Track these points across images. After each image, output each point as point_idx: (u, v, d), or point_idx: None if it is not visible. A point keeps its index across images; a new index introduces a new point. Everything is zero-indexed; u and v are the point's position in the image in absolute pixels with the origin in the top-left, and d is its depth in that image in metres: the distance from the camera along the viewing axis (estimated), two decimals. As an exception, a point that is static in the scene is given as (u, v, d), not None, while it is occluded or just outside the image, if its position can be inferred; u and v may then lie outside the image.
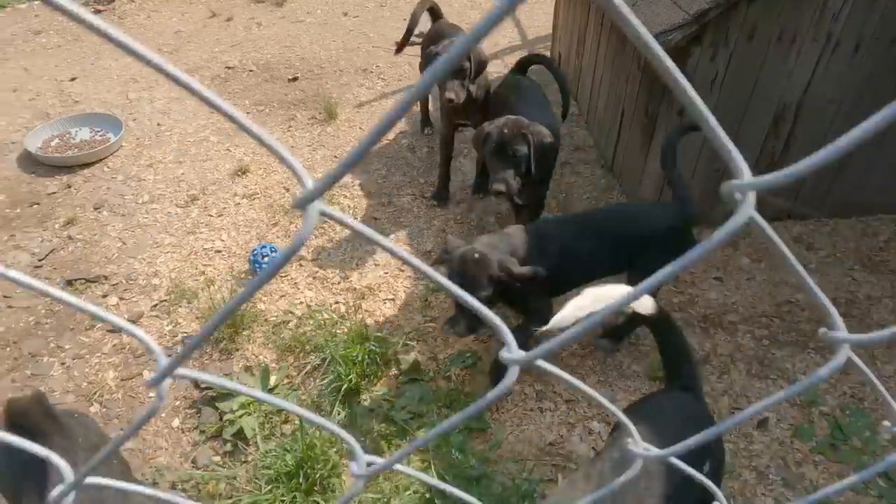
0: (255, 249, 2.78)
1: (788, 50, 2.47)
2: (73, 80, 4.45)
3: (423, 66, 3.43)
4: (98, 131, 3.77)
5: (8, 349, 2.45)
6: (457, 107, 2.74)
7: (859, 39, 2.45)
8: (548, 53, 4.56)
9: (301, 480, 1.89)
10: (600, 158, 3.47)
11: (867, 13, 2.40)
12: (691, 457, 1.37)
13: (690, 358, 1.62)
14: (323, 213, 0.36)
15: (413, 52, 4.68)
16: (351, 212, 3.15)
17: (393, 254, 0.42)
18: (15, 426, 1.33)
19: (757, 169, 2.79)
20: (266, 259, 2.73)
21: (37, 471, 1.24)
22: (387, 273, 2.78)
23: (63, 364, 2.40)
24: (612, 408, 0.58)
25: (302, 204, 0.35)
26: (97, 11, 5.61)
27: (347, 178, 3.30)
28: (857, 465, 2.03)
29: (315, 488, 1.92)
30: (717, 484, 1.44)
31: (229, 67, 4.59)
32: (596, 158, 3.48)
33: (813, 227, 2.98)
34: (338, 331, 2.43)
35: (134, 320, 2.56)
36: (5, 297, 2.67)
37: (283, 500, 1.88)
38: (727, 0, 2.29)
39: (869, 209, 3.01)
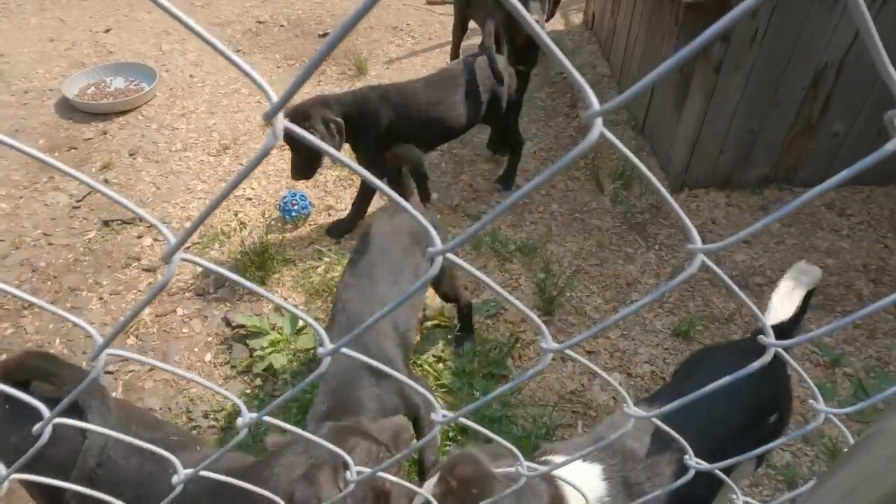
0: (285, 196, 2.82)
1: (834, 5, 2.39)
2: (107, 31, 4.50)
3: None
4: (132, 81, 3.82)
5: (49, 283, 2.55)
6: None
7: (910, -4, 2.37)
8: (581, 15, 4.49)
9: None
10: (631, 120, 3.43)
11: (919, -32, 2.31)
12: (759, 410, 1.35)
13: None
14: (287, 130, 0.38)
15: (443, 11, 4.63)
16: (379, 165, 3.18)
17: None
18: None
19: (794, 128, 2.75)
20: (296, 206, 2.78)
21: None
22: (414, 224, 2.81)
23: (101, 299, 2.49)
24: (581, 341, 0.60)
25: (269, 116, 0.37)
26: (130, -35, 5.62)
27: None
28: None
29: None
30: (778, 435, 1.44)
31: (260, 22, 4.59)
32: (626, 120, 3.44)
33: (847, 193, 2.92)
34: (365, 277, 2.48)
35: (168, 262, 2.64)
36: (45, 234, 2.77)
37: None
38: (773, -49, 2.22)
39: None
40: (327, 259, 2.62)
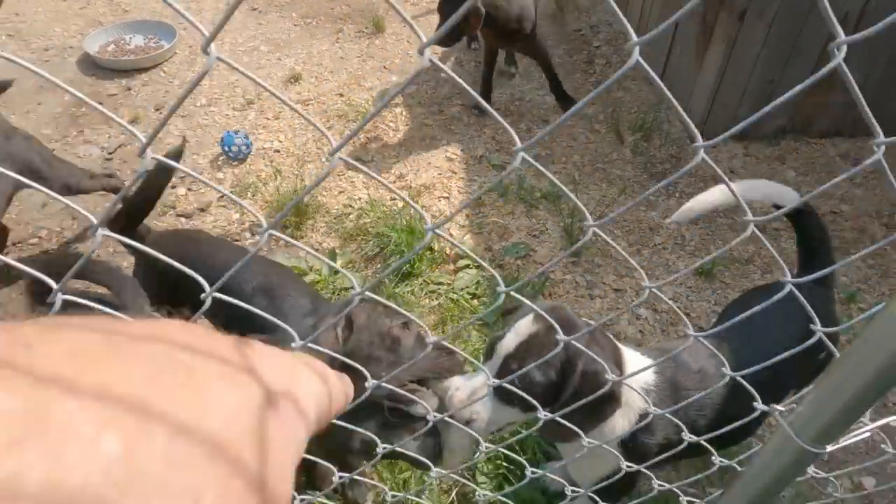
0: (228, 134, 2.92)
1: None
2: (120, -10, 4.49)
3: None
4: (151, 38, 3.84)
5: (89, 229, 2.62)
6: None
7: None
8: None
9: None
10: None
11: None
12: (808, 346, 1.36)
13: (828, 252, 1.53)
14: (220, 59, 0.42)
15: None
16: (403, 117, 3.23)
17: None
18: None
19: (811, 84, 2.81)
20: (236, 148, 2.90)
21: None
22: (440, 174, 2.89)
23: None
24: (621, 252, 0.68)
25: (203, 47, 0.40)
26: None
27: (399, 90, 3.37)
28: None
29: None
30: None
31: (275, -20, 4.58)
32: (644, 75, 3.48)
33: (861, 144, 3.00)
34: (396, 223, 2.56)
35: (203, 209, 2.71)
36: (81, 184, 2.83)
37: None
38: None
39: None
40: (358, 206, 2.70)
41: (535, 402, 0.86)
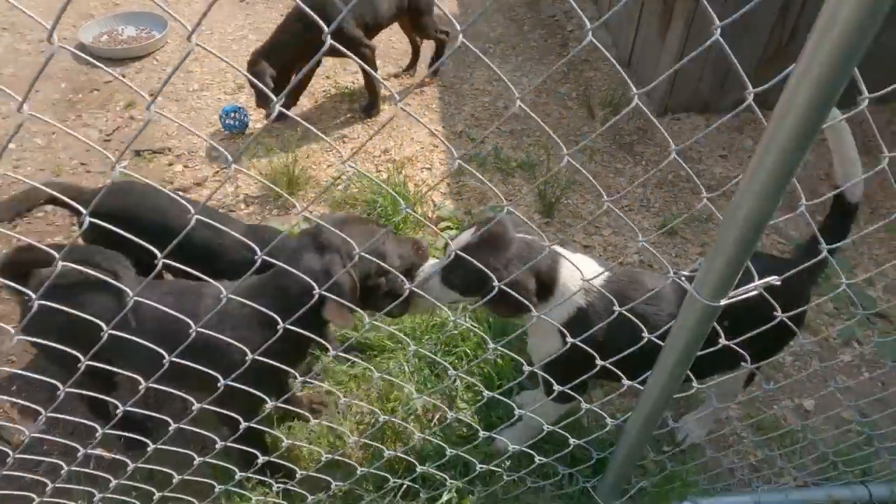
0: (225, 108, 3.13)
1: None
2: (110, -16, 4.62)
3: None
4: (143, 29, 3.99)
5: (92, 204, 2.78)
6: None
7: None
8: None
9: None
10: (618, 57, 3.69)
11: None
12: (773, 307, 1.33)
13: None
14: (198, 45, 0.62)
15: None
16: (387, 97, 3.42)
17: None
18: None
19: (765, 54, 3.04)
20: (235, 119, 3.12)
21: None
22: (423, 147, 3.08)
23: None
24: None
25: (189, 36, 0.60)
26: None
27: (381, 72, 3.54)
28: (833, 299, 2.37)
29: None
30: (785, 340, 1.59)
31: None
32: (614, 56, 3.70)
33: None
34: (381, 191, 2.74)
35: (199, 183, 2.88)
36: (82, 163, 2.99)
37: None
38: None
39: None
40: (345, 177, 2.88)
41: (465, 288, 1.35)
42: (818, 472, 1.82)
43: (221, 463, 1.41)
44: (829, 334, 2.28)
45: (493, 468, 1.61)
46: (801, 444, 1.88)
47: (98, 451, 1.81)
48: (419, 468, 1.58)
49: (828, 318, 2.33)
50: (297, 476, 1.56)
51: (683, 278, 1.05)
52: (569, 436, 1.49)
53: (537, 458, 1.53)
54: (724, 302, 1.00)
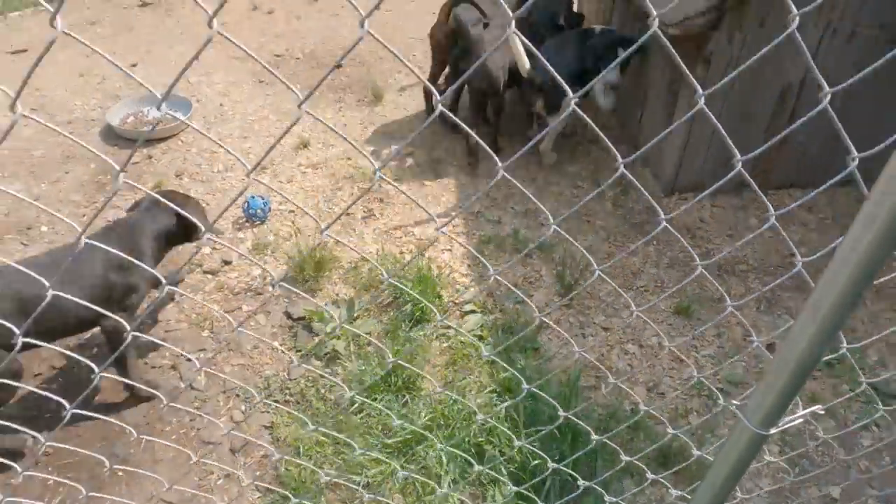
0: (252, 203, 3.20)
1: (793, 34, 2.87)
2: (133, 66, 4.85)
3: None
4: (168, 110, 4.16)
5: (123, 287, 2.85)
6: None
7: (854, 27, 2.87)
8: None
9: (391, 383, 2.30)
10: (625, 136, 3.88)
11: (860, 4, 2.81)
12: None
13: None
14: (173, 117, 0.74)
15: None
16: (405, 178, 3.56)
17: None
18: None
19: (764, 141, 3.21)
20: (259, 211, 3.21)
21: None
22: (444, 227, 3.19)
23: (173, 300, 2.80)
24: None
25: (158, 103, 0.71)
26: (144, 4, 6.01)
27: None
28: (848, 379, 2.45)
29: (402, 390, 2.33)
30: None
31: (277, 55, 4.99)
32: (622, 136, 3.89)
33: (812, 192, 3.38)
34: (406, 273, 2.84)
35: (228, 262, 2.97)
36: (112, 246, 3.08)
37: (375, 398, 2.28)
38: (742, -8, 2.70)
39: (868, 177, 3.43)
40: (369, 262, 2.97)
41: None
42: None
43: None
44: (848, 417, 2.34)
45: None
46: (831, 535, 1.91)
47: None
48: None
49: (847, 402, 2.39)
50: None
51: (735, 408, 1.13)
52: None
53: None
54: (773, 431, 1.08)
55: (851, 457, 2.19)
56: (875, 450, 2.24)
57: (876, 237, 0.80)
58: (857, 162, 0.89)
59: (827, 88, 0.83)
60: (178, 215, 2.29)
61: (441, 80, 3.99)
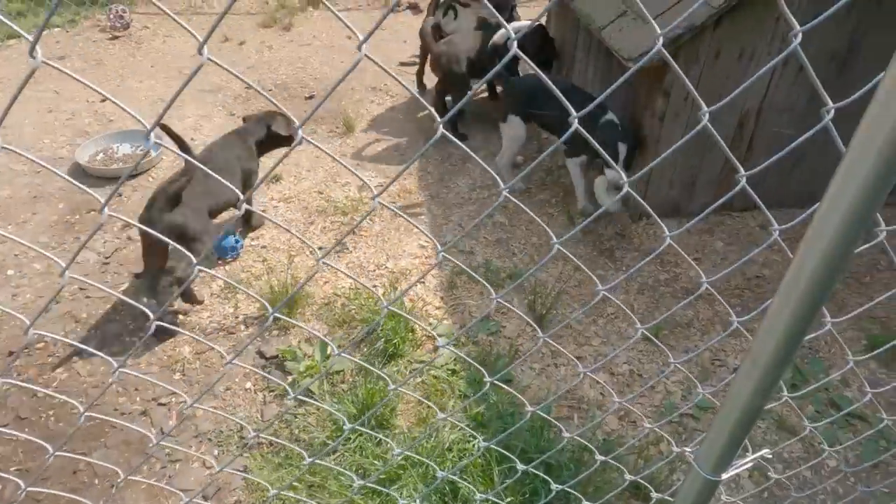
0: (226, 241, 3.20)
1: (748, 65, 2.98)
2: (103, 101, 4.83)
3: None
4: (138, 146, 4.16)
5: (92, 331, 2.82)
6: None
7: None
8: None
9: (364, 421, 2.30)
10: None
11: (809, 35, 2.92)
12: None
13: None
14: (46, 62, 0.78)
15: (413, 70, 5.15)
16: (377, 212, 3.59)
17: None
18: None
19: (725, 167, 3.31)
20: (231, 247, 3.20)
21: None
22: (417, 259, 3.22)
23: (144, 342, 2.77)
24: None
25: (146, 135, 0.76)
26: (114, 38, 5.99)
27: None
28: (812, 400, 2.51)
29: (375, 429, 2.33)
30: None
31: (249, 87, 5.01)
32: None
33: (776, 215, 3.46)
34: (378, 307, 2.85)
35: (200, 302, 2.96)
36: (81, 288, 3.04)
37: (349, 438, 2.28)
38: (697, 26, 2.79)
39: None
40: (344, 296, 2.99)
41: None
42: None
43: None
44: (813, 436, 2.39)
45: None
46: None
47: None
48: None
49: (810, 421, 2.44)
50: None
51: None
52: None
53: None
54: (724, 476, 1.11)
55: (813, 469, 2.24)
56: (839, 470, 2.29)
57: (805, 292, 0.84)
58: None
59: (705, 108, 0.89)
60: (269, 127, 3.25)
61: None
